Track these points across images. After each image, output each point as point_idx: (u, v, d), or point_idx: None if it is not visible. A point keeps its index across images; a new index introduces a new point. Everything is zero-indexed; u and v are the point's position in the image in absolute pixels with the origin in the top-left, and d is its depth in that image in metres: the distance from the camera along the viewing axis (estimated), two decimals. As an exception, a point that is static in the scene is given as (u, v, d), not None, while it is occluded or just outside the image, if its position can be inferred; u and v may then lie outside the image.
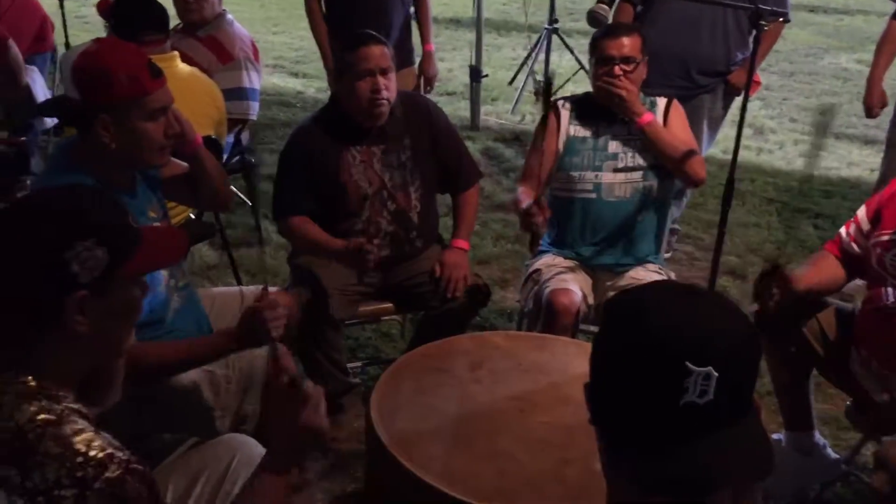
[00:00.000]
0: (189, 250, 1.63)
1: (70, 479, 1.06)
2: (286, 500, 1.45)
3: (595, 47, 2.66)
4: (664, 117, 2.71)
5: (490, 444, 1.83)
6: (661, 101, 2.74)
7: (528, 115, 6.44)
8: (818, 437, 2.44)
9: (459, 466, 1.74)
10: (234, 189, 4.41)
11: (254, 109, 3.78)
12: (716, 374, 0.92)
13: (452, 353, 2.22)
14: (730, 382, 0.93)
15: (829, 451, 2.46)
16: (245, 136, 3.97)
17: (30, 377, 1.14)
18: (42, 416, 1.11)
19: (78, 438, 1.09)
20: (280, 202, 2.68)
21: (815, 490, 2.47)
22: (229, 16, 3.84)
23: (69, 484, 1.06)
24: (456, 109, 6.63)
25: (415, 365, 2.15)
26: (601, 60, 2.62)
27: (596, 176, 2.68)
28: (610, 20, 3.28)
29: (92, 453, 1.09)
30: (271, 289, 1.84)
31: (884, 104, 3.54)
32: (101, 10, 3.53)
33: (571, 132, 2.72)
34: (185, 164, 2.20)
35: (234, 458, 1.68)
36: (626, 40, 2.60)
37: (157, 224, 2.05)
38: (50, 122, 4.28)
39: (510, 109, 6.54)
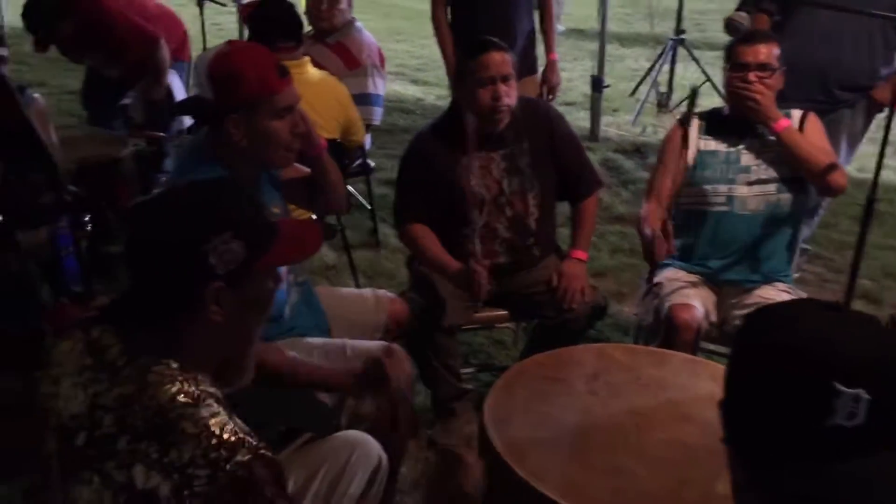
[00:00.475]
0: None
1: (204, 459, 1.10)
2: None
3: (730, 53, 2.59)
4: (799, 129, 2.60)
5: (606, 458, 1.79)
6: (797, 114, 2.63)
7: (650, 127, 6.32)
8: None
9: (575, 478, 1.70)
10: (354, 192, 4.54)
11: (377, 115, 3.87)
12: (867, 397, 0.86)
13: (568, 363, 2.19)
14: (884, 406, 0.87)
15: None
16: (367, 141, 4.05)
17: (172, 360, 1.19)
18: (182, 398, 1.15)
19: (213, 421, 1.13)
20: (400, 209, 2.72)
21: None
22: (358, 23, 3.94)
23: (203, 464, 1.10)
24: (575, 120, 6.55)
25: (529, 373, 2.12)
26: (736, 66, 2.55)
27: (729, 189, 2.60)
28: (748, 28, 3.18)
29: (225, 436, 1.12)
30: (377, 291, 1.87)
31: None
32: (244, 17, 3.69)
33: (702, 146, 2.64)
34: (306, 168, 2.26)
35: (352, 455, 1.71)
36: (762, 47, 2.53)
37: (292, 217, 2.11)
38: (187, 122, 4.49)
39: (631, 120, 6.43)
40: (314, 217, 3.06)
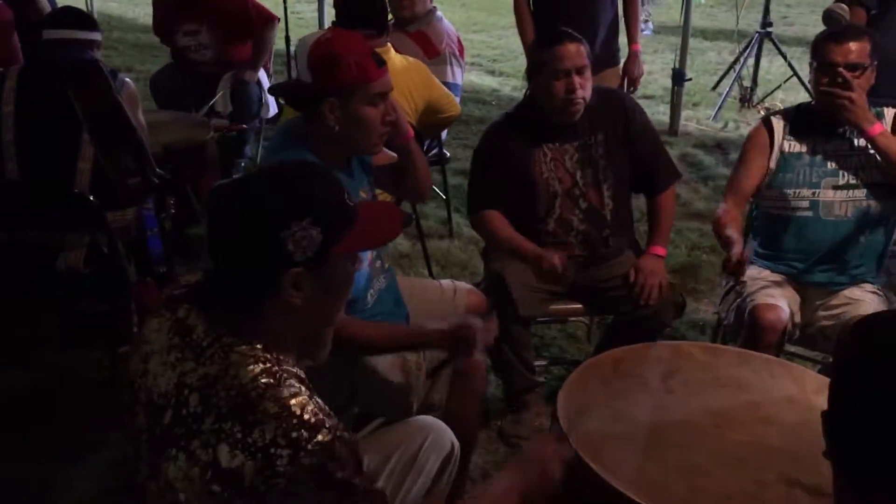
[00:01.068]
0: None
1: (286, 438, 1.11)
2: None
3: (817, 51, 2.46)
4: (892, 129, 2.49)
5: (682, 457, 1.75)
6: (890, 112, 2.51)
7: (731, 123, 6.17)
8: None
9: (650, 475, 1.68)
10: (430, 182, 4.55)
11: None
12: None
13: (645, 359, 2.15)
14: None
15: None
16: (443, 131, 4.06)
17: (254, 341, 1.21)
18: (264, 378, 1.16)
19: (294, 401, 1.14)
20: (473, 197, 2.71)
21: None
22: (438, 12, 3.95)
23: (285, 444, 1.11)
24: (654, 114, 6.44)
25: (604, 368, 2.10)
26: (824, 66, 2.42)
27: (813, 193, 2.50)
28: (848, 20, 3.04)
29: (306, 416, 1.13)
30: (455, 283, 1.87)
31: None
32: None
33: (786, 148, 2.55)
34: (394, 154, 2.28)
35: (426, 439, 1.72)
36: (852, 45, 2.39)
37: (374, 200, 2.13)
38: (273, 110, 4.59)
39: (712, 115, 6.29)
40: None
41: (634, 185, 2.74)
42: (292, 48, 4.07)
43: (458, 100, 3.90)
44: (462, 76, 3.93)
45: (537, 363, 2.98)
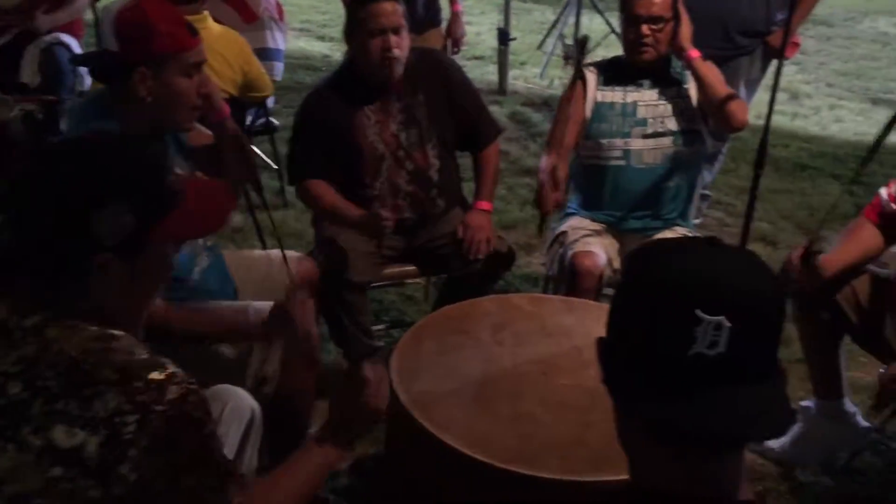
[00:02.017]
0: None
1: (131, 404, 1.05)
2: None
3: (624, 4, 2.58)
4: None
5: (512, 407, 1.80)
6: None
7: (557, 80, 6.35)
8: (848, 405, 2.39)
9: (480, 428, 1.71)
10: (259, 152, 4.42)
11: (278, 70, 3.76)
12: (728, 324, 0.87)
13: (475, 314, 2.19)
14: (745, 337, 0.88)
15: (860, 418, 2.41)
16: (270, 99, 3.94)
17: (72, 315, 1.13)
18: (95, 345, 1.08)
19: (135, 362, 1.07)
20: (294, 165, 2.66)
21: (843, 458, 2.43)
22: (252, -25, 3.80)
23: (130, 409, 1.04)
24: (484, 74, 6.55)
25: (436, 326, 2.12)
26: (629, 19, 2.55)
27: (625, 143, 2.62)
28: None
29: (151, 375, 1.06)
30: (291, 253, 1.84)
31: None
32: None
33: (599, 98, 2.65)
34: (210, 133, 2.19)
35: (224, 408, 1.68)
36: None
37: (205, 179, 2.04)
38: (88, 82, 4.28)
39: (538, 74, 6.45)
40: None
41: (459, 143, 2.76)
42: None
43: (281, 66, 3.80)
44: (284, 41, 3.82)
45: (377, 328, 2.98)
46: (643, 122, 2.62)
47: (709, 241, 0.98)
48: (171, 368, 1.10)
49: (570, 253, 2.51)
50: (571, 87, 2.66)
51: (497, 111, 5.59)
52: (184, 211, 1.22)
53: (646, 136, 2.61)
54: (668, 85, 2.65)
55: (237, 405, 1.71)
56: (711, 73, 2.57)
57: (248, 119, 3.85)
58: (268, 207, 2.69)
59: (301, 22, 8.16)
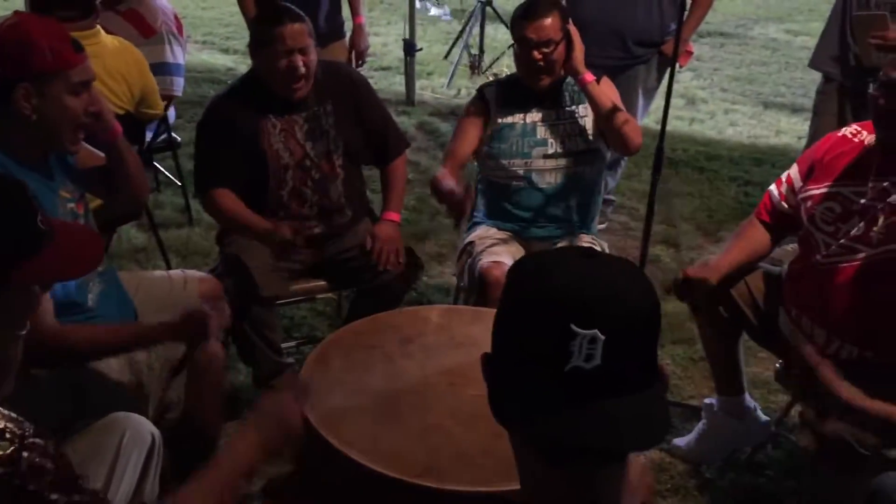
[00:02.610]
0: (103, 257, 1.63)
1: None
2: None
3: (514, 28, 2.60)
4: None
5: (420, 420, 1.80)
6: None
7: (464, 89, 6.41)
8: (749, 401, 2.48)
9: (389, 443, 1.71)
10: (162, 168, 4.32)
11: (178, 85, 3.67)
12: (602, 337, 0.88)
13: (383, 328, 2.19)
14: (621, 348, 0.89)
15: (760, 413, 2.50)
16: (171, 114, 3.86)
17: None
18: None
19: None
20: (200, 175, 2.61)
21: (746, 452, 2.52)
22: (150, -12, 3.71)
23: None
24: (391, 84, 6.55)
25: (344, 342, 2.10)
26: (521, 42, 2.57)
27: (525, 164, 2.65)
28: None
29: None
30: (185, 272, 1.80)
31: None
32: None
33: (499, 119, 2.68)
34: (101, 153, 2.11)
35: (123, 436, 1.63)
36: (545, 22, 2.52)
37: (76, 221, 1.96)
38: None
39: (445, 84, 6.49)
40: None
41: (366, 157, 2.76)
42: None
43: (181, 81, 3.71)
44: (184, 56, 3.73)
45: (287, 345, 2.95)
46: (543, 143, 2.65)
47: (584, 254, 0.98)
48: (5, 422, 1.05)
49: (478, 263, 2.53)
50: (470, 105, 2.68)
51: (405, 122, 5.60)
52: (54, 252, 1.19)
53: (546, 157, 2.65)
54: (566, 105, 2.67)
55: (136, 433, 1.66)
56: (605, 96, 2.58)
57: (149, 135, 3.75)
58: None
59: (204, 35, 8.00)
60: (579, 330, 0.88)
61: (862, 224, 2.01)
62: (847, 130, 2.18)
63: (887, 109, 1.93)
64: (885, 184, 1.99)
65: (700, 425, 2.51)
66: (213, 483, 1.33)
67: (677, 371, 2.95)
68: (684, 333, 3.00)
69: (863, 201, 2.02)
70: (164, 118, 3.76)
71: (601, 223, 3.94)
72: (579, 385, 0.89)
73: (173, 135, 3.97)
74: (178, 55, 3.66)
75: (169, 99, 3.69)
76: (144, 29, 3.56)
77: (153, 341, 1.95)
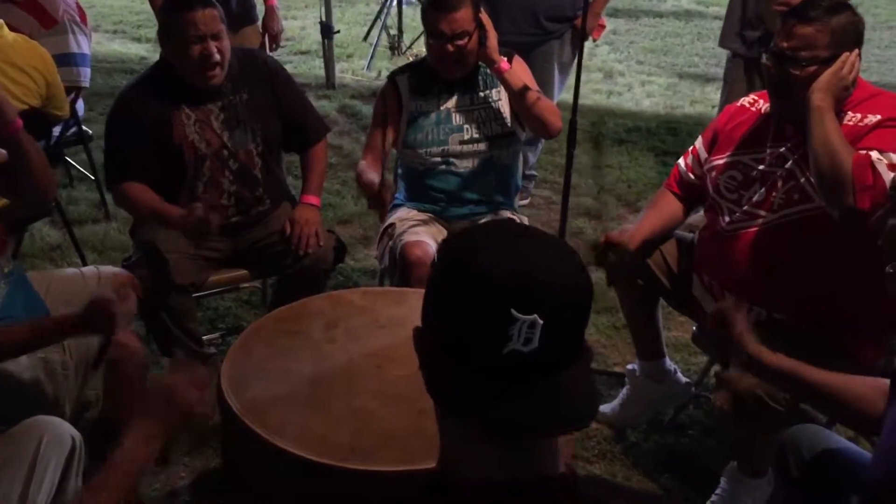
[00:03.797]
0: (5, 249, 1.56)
1: None
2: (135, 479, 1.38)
3: (425, 19, 2.56)
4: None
5: (346, 404, 1.80)
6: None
7: (384, 71, 6.37)
8: (669, 364, 2.55)
9: (315, 429, 1.70)
10: (74, 163, 4.19)
11: (85, 76, 3.55)
12: (541, 321, 0.89)
13: (307, 314, 2.18)
14: (556, 330, 0.90)
15: (680, 375, 2.58)
16: (80, 106, 3.74)
17: None
18: None
19: None
20: (110, 168, 2.54)
21: (668, 414, 2.59)
22: (49, -23, 3.58)
23: None
24: (310, 68, 6.48)
25: (268, 329, 2.09)
26: (433, 34, 2.54)
27: (443, 150, 2.65)
28: None
29: None
30: (99, 268, 1.74)
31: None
32: None
33: (413, 108, 2.66)
34: (3, 151, 2.03)
35: (41, 441, 1.59)
36: (456, 15, 2.47)
37: None
38: None
39: (365, 66, 6.45)
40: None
41: (285, 143, 2.73)
42: None
43: (88, 71, 3.60)
44: (89, 45, 3.61)
45: (211, 336, 2.91)
46: (459, 129, 2.65)
47: (515, 233, 0.99)
48: None
49: (399, 244, 2.53)
50: (383, 92, 2.66)
51: (326, 105, 5.54)
52: None
53: (463, 143, 2.65)
54: (480, 90, 2.67)
55: (55, 436, 1.62)
56: (521, 82, 2.56)
57: (58, 130, 3.63)
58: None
59: (114, 24, 7.77)
60: (520, 315, 0.88)
61: (763, 190, 2.08)
62: (745, 100, 2.24)
63: (779, 78, 1.99)
64: (782, 149, 2.06)
65: (623, 391, 2.58)
66: (112, 483, 1.31)
67: (602, 339, 3.02)
68: (607, 302, 3.06)
69: (761, 167, 2.09)
70: (73, 111, 3.65)
71: (524, 198, 3.99)
72: (517, 367, 0.90)
73: (84, 128, 3.85)
74: (83, 45, 3.55)
75: (77, 90, 3.58)
76: (45, 19, 3.44)
77: (55, 336, 1.86)
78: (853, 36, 1.95)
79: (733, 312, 1.68)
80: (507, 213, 2.76)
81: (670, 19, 8.56)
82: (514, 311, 0.88)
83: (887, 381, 1.54)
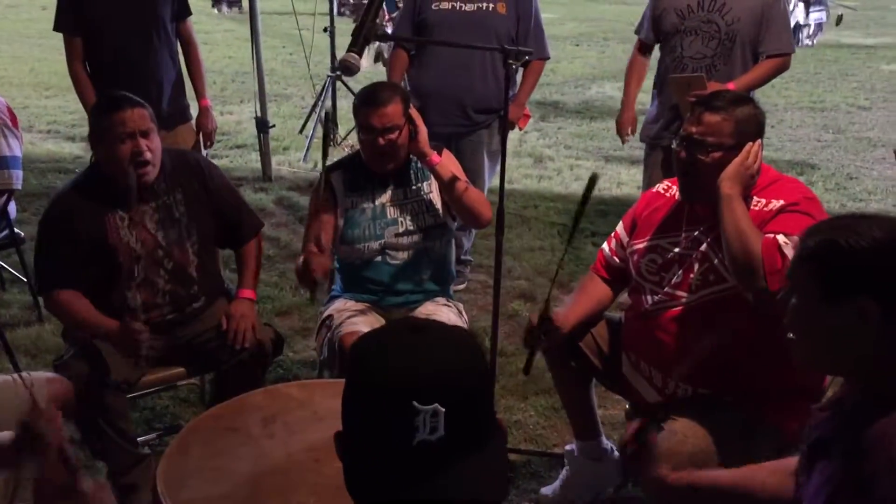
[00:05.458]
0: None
1: None
2: None
3: (357, 115, 2.64)
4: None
5: (283, 501, 1.80)
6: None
7: (320, 163, 6.45)
8: (605, 443, 2.60)
9: (252, 528, 1.70)
10: (6, 266, 4.14)
11: (17, 178, 3.55)
12: (443, 409, 0.95)
13: (244, 410, 2.17)
14: (460, 416, 0.96)
15: (617, 453, 2.62)
16: (12, 208, 3.72)
17: None
18: None
19: None
20: (42, 275, 2.53)
21: (608, 492, 2.63)
22: (-20, 82, 3.61)
23: None
24: (247, 161, 6.55)
25: (204, 428, 2.08)
26: (364, 129, 2.61)
27: (380, 244, 2.71)
28: (361, 67, 3.26)
29: None
30: (31, 374, 1.73)
31: (633, 126, 3.81)
32: None
33: (348, 204, 2.72)
34: None
35: None
36: (387, 109, 2.55)
37: None
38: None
39: (302, 158, 6.55)
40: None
41: (219, 241, 2.76)
42: None
43: (20, 174, 3.60)
44: (20, 148, 3.62)
45: (148, 437, 2.86)
46: (394, 222, 2.71)
47: (413, 328, 1.05)
48: None
49: (337, 335, 2.56)
50: (318, 187, 2.66)
51: (263, 198, 5.60)
52: None
53: (398, 235, 2.71)
54: (413, 183, 2.75)
55: None
56: (450, 174, 2.62)
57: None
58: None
59: (48, 124, 7.76)
60: (421, 406, 0.94)
61: (680, 272, 2.19)
62: (660, 186, 2.38)
63: (687, 161, 2.13)
64: (696, 232, 2.18)
65: (563, 471, 2.61)
66: None
67: (541, 421, 3.06)
68: (546, 384, 3.12)
69: (677, 250, 2.21)
70: (5, 214, 3.63)
71: (460, 283, 4.06)
72: (427, 457, 0.95)
73: (16, 230, 3.83)
74: (15, 147, 3.56)
75: (9, 193, 3.57)
76: (-24, 124, 3.45)
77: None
78: (755, 126, 2.11)
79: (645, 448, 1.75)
80: (442, 300, 2.81)
81: (595, 105, 8.93)
82: (415, 403, 0.95)
83: (794, 460, 1.61)
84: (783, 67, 3.45)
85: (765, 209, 2.08)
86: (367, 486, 0.99)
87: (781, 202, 2.07)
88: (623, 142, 3.85)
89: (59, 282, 2.49)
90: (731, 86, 3.18)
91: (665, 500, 1.87)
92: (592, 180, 2.11)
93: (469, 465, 0.97)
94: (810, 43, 13.76)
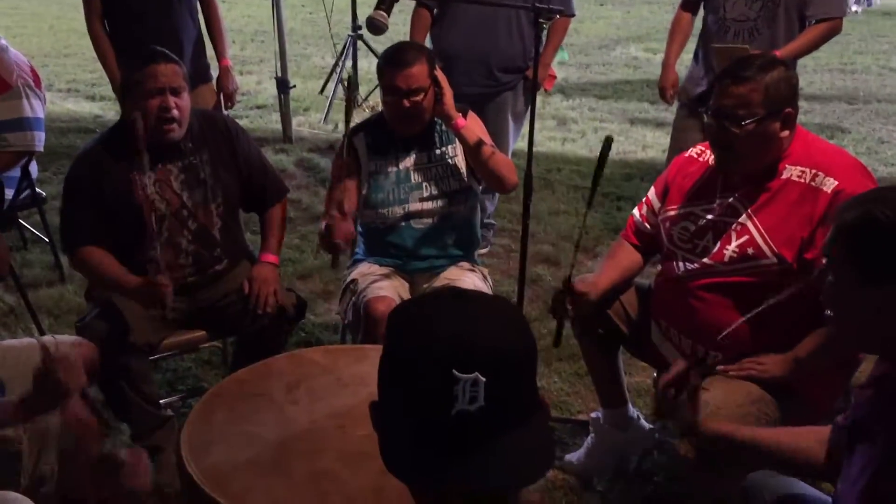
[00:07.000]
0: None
1: None
2: None
3: (382, 75, 2.57)
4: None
5: (310, 466, 1.78)
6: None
7: (341, 124, 6.41)
8: (632, 411, 2.57)
9: (278, 494, 1.68)
10: (28, 225, 4.14)
11: (40, 140, 3.54)
12: (483, 379, 0.92)
13: (268, 375, 2.16)
14: (501, 387, 0.93)
15: (644, 421, 2.60)
16: (33, 168, 3.70)
17: None
18: None
19: None
20: (67, 233, 2.52)
21: (634, 461, 2.60)
22: (2, 41, 3.57)
23: None
24: (268, 122, 6.51)
25: (228, 393, 2.07)
26: (389, 90, 2.54)
27: (403, 209, 2.66)
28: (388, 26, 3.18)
29: None
30: (56, 337, 1.72)
31: (675, 88, 3.68)
32: None
33: (372, 168, 2.67)
34: None
35: None
36: (413, 70, 2.49)
37: None
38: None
39: (322, 119, 6.49)
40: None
41: (244, 205, 2.73)
42: None
43: (42, 135, 3.58)
44: (43, 109, 3.60)
45: (171, 399, 2.86)
46: (419, 187, 2.66)
47: (454, 295, 1.02)
48: None
49: (363, 300, 2.53)
50: (340, 151, 2.57)
51: (283, 159, 5.56)
52: None
53: (423, 200, 2.66)
54: (437, 147, 2.69)
55: None
56: (476, 137, 2.56)
57: (10, 193, 3.60)
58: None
59: (68, 83, 7.74)
60: (461, 375, 0.91)
61: (715, 240, 2.11)
62: (693, 151, 2.30)
63: (720, 135, 2.04)
64: (730, 199, 2.11)
65: (588, 439, 2.58)
66: None
67: (565, 388, 3.03)
68: (571, 350, 3.09)
69: (711, 217, 2.13)
70: (27, 174, 3.62)
71: (483, 248, 4.02)
72: (466, 428, 0.92)
73: (38, 190, 3.82)
74: (38, 109, 3.54)
75: (30, 154, 3.56)
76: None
77: (11, 422, 1.85)
78: (787, 89, 2.00)
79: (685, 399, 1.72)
80: (467, 265, 2.77)
81: (619, 66, 8.78)
82: (455, 372, 0.92)
83: (826, 429, 1.59)
84: (833, 32, 3.25)
85: (812, 184, 2.00)
86: (404, 458, 0.96)
87: (835, 182, 1.98)
88: (669, 103, 3.71)
89: (86, 238, 2.47)
90: (777, 53, 3.05)
91: (700, 447, 1.84)
92: (608, 143, 2.02)
93: (509, 440, 0.94)
94: (857, 10, 13.15)
